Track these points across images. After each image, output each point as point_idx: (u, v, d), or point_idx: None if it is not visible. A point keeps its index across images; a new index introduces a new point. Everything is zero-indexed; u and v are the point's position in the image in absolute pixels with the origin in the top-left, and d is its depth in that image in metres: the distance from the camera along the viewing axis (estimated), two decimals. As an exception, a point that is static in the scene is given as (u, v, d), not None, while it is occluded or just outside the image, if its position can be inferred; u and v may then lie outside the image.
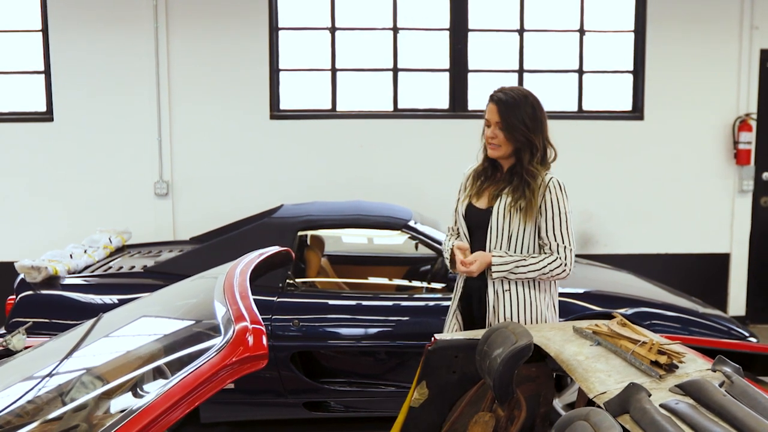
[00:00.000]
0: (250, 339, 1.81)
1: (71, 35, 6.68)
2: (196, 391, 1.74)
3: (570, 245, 3.31)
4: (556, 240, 3.30)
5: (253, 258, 2.64)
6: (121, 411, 1.81)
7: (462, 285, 3.49)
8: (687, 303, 5.07)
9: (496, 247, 3.33)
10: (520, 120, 3.30)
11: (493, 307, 3.34)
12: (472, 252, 3.38)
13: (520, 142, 3.32)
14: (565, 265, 3.30)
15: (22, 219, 6.79)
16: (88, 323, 2.73)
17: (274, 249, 2.93)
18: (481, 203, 3.42)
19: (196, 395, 1.74)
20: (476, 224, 3.41)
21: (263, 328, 1.89)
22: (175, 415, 1.71)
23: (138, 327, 2.62)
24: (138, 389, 2.05)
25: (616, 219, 7.09)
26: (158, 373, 2.07)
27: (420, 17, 6.99)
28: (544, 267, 3.28)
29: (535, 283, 3.37)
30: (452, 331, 3.48)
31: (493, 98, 3.37)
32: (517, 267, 3.27)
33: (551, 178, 3.33)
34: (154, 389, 1.83)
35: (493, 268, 3.28)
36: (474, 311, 3.47)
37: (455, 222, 3.57)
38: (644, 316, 4.70)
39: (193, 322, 2.39)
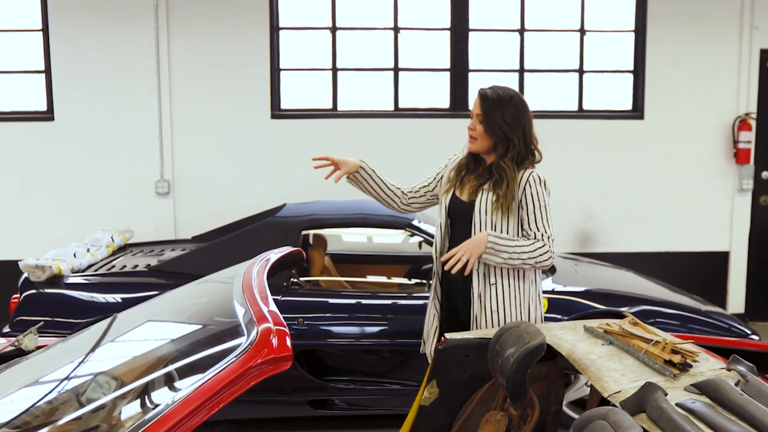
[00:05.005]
0: (275, 341, 1.81)
1: (72, 35, 6.67)
2: (220, 394, 1.73)
3: (551, 234, 3.38)
4: (539, 230, 3.35)
5: (268, 258, 2.64)
6: (144, 413, 1.81)
7: (442, 279, 3.53)
8: (688, 301, 5.09)
9: None
10: (501, 117, 3.38)
11: (479, 297, 3.38)
12: (453, 244, 3.44)
13: (497, 137, 3.40)
14: (551, 252, 3.35)
15: (23, 218, 6.78)
16: (103, 324, 2.72)
17: (287, 249, 2.94)
18: (464, 196, 3.50)
19: (221, 398, 1.74)
20: (459, 216, 3.48)
21: (287, 330, 1.89)
22: (199, 417, 1.71)
23: (155, 328, 2.61)
24: (160, 391, 2.04)
25: (616, 218, 7.11)
26: (180, 375, 2.06)
27: (421, 17, 7.00)
28: (535, 251, 3.31)
29: (521, 275, 3.41)
30: (433, 330, 3.52)
31: (480, 93, 3.47)
32: (511, 246, 3.29)
33: (531, 173, 3.40)
34: (176, 391, 1.83)
35: (489, 244, 3.27)
36: (459, 305, 3.50)
37: (420, 187, 3.72)
38: (647, 314, 4.71)
39: (211, 323, 2.38)
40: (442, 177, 3.66)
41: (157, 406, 1.83)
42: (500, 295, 3.38)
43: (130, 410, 2.03)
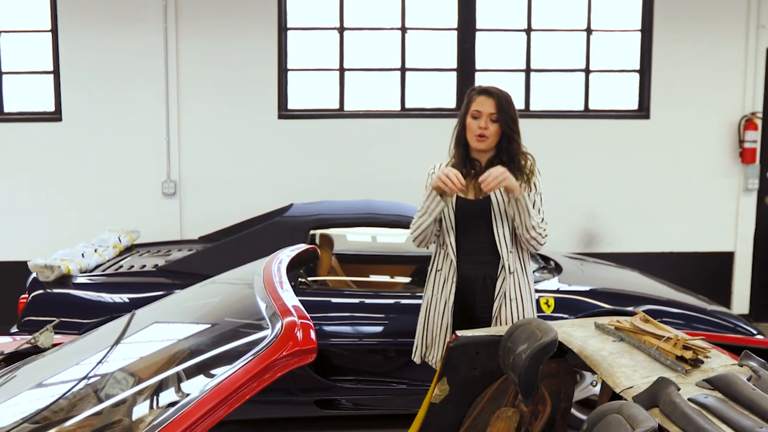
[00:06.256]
0: (299, 333, 1.82)
1: (80, 35, 6.70)
2: (245, 386, 1.75)
3: (546, 220, 3.54)
4: (540, 214, 3.50)
5: (286, 255, 2.66)
6: (172, 404, 1.82)
7: (455, 278, 3.53)
8: (694, 300, 5.10)
9: (503, 233, 3.49)
10: (511, 114, 3.53)
11: (501, 286, 3.48)
12: (457, 243, 3.53)
13: (508, 133, 3.51)
14: (546, 234, 3.51)
15: (30, 218, 6.80)
16: (122, 320, 2.73)
17: (303, 246, 2.96)
18: (470, 195, 3.55)
19: (245, 390, 1.75)
20: (470, 215, 3.53)
21: (311, 323, 1.91)
22: (225, 409, 1.72)
23: (176, 324, 2.63)
24: (186, 384, 2.05)
25: (621, 217, 7.12)
26: (204, 368, 2.07)
27: (428, 17, 7.02)
28: (541, 223, 3.46)
29: (527, 267, 3.57)
30: (444, 333, 3.56)
31: (489, 92, 3.54)
32: (530, 206, 3.42)
33: (533, 162, 3.57)
34: (201, 385, 1.84)
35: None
36: (477, 301, 3.54)
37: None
38: (652, 313, 4.70)
39: (233, 318, 2.40)
40: None
41: (184, 398, 1.84)
42: (517, 284, 3.51)
43: (157, 403, 2.04)
